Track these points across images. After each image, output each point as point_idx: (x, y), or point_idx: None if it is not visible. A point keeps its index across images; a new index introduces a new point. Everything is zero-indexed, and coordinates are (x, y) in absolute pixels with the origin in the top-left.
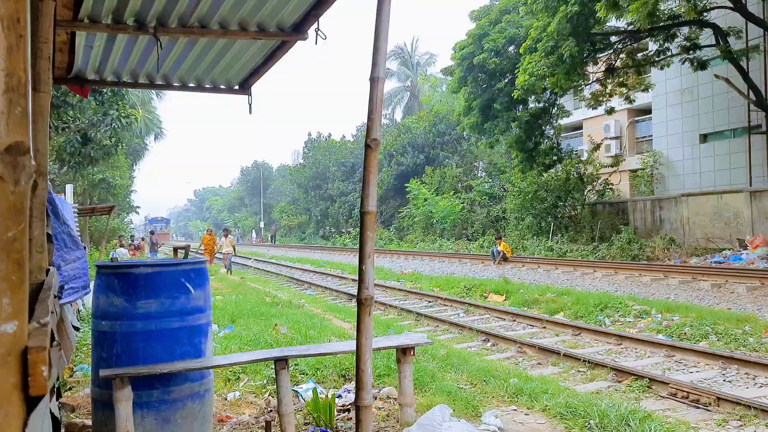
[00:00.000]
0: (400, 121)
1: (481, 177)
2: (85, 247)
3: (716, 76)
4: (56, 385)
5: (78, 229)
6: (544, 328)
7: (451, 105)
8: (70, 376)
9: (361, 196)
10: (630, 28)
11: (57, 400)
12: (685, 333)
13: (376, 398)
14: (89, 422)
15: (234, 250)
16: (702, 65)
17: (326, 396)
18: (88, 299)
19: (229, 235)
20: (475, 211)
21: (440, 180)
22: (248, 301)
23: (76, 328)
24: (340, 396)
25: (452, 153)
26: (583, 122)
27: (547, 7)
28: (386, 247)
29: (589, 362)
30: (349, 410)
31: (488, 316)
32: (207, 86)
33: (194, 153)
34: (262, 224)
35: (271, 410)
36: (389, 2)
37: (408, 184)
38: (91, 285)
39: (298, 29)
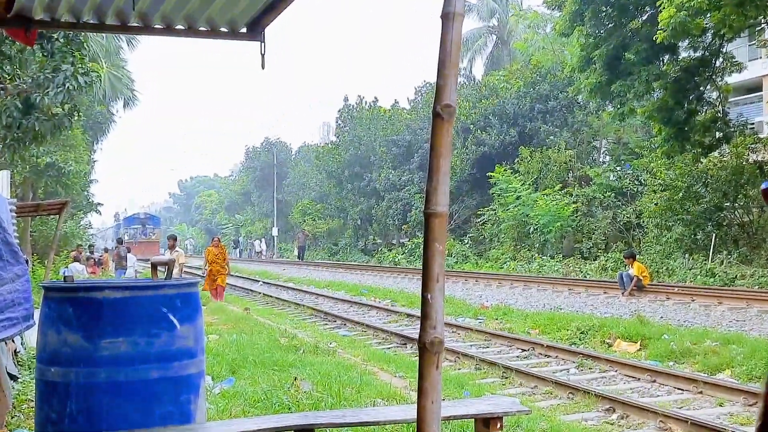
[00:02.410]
0: (482, 80)
1: (605, 164)
2: (27, 261)
3: None
4: None
5: (16, 234)
6: (700, 393)
7: (559, 54)
8: None
9: (426, 190)
10: None
11: None
12: None
13: None
14: None
15: (181, 270)
16: None
17: None
18: (32, 334)
19: (177, 248)
20: (595, 215)
21: (541, 168)
22: (255, 343)
23: (13, 377)
24: None
25: (560, 128)
26: (763, 80)
27: None
28: (458, 267)
29: None
30: None
31: (614, 374)
32: (201, 29)
33: (179, 127)
34: (275, 231)
35: None
36: None
37: (492, 174)
38: (36, 315)
39: None
